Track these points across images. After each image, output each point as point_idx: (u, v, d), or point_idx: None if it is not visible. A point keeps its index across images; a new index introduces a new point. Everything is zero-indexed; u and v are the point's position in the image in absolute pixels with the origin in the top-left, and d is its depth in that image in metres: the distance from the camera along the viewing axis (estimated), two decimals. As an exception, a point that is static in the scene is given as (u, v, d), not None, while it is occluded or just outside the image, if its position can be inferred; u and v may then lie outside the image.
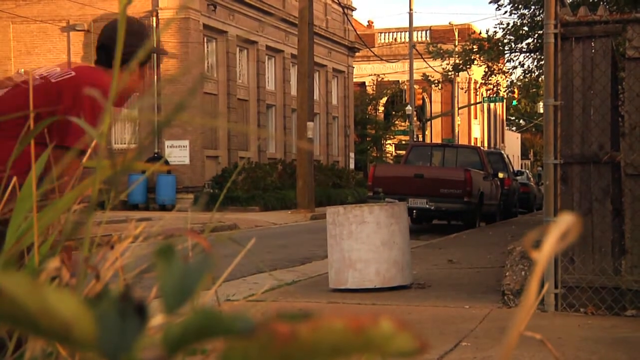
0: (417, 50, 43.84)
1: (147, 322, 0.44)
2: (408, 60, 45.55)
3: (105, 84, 3.33)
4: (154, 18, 28.88)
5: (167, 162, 28.56)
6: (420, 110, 52.42)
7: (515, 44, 19.80)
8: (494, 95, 27.95)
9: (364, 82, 54.77)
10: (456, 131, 52.81)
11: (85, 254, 0.79)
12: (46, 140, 2.50)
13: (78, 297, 0.40)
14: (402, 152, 39.75)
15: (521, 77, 25.23)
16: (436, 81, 26.98)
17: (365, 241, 8.01)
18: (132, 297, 0.45)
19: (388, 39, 59.69)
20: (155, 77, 29.01)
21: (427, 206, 18.34)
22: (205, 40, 30.75)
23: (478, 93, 49.71)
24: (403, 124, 51.09)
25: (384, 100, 53.75)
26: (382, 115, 53.27)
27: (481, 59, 20.78)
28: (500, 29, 19.87)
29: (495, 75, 22.13)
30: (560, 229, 0.51)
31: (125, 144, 28.84)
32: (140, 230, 1.01)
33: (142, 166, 1.08)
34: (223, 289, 7.35)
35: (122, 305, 0.44)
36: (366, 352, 0.43)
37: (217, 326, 0.41)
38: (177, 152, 29.01)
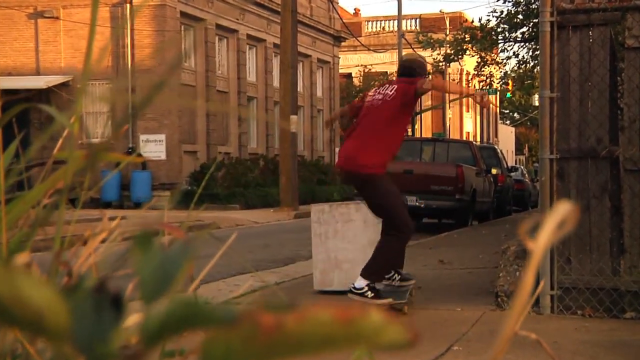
0: (406, 39, 43.87)
1: (124, 314, 0.44)
2: (397, 50, 45.61)
3: (410, 85, 6.73)
4: (128, 5, 28.75)
5: (141, 156, 28.47)
6: (410, 103, 52.37)
7: (510, 33, 19.86)
8: (487, 87, 28.00)
9: (350, 73, 54.80)
10: (447, 125, 52.95)
11: (56, 249, 0.79)
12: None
13: (52, 286, 0.40)
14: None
15: (515, 68, 25.32)
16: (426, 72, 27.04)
17: (352, 240, 8.02)
18: (108, 289, 0.44)
19: (376, 27, 59.73)
20: (129, 67, 28.91)
21: (417, 204, 18.38)
22: (182, 28, 30.66)
23: (470, 85, 49.81)
24: (391, 117, 51.05)
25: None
26: (369, 108, 53.23)
27: (473, 49, 20.82)
28: (493, 17, 19.93)
29: (489, 66, 22.18)
30: (556, 218, 0.51)
31: (98, 137, 28.73)
32: (115, 225, 1.00)
33: (116, 157, 1.08)
34: (201, 291, 7.34)
35: (98, 297, 0.44)
36: (356, 344, 0.43)
37: (197, 316, 0.41)
38: (153, 147, 28.91)
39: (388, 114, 6.75)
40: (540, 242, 0.52)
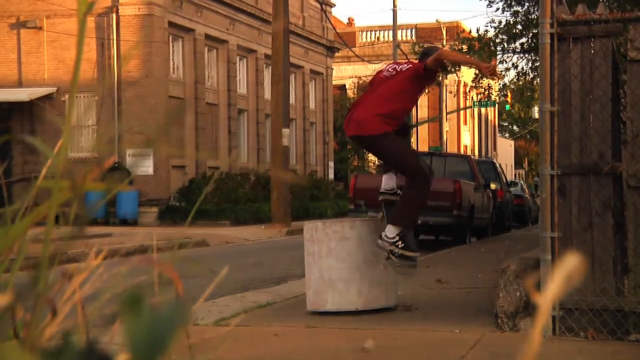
0: (401, 50, 44.02)
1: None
2: (392, 61, 45.65)
3: (419, 66, 7.33)
4: (114, 15, 28.78)
5: (128, 173, 28.44)
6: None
7: (508, 43, 19.94)
8: (485, 99, 28.07)
9: (344, 85, 54.91)
10: (444, 138, 53.02)
11: (41, 287, 0.78)
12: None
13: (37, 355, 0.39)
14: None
15: (515, 80, 25.41)
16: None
17: (346, 259, 8.00)
18: (97, 352, 0.43)
19: (370, 37, 59.90)
20: (116, 80, 28.90)
21: (414, 220, 18.34)
22: (170, 39, 30.70)
23: (468, 97, 49.99)
24: (387, 130, 51.13)
25: (366, 104, 53.82)
26: (364, 121, 53.31)
27: (471, 60, 20.89)
28: (491, 27, 20.02)
29: (487, 78, 22.26)
30: (564, 270, 0.51)
31: (83, 152, 28.69)
32: (100, 260, 0.99)
33: (104, 186, 1.07)
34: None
35: None
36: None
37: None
38: (140, 162, 28.87)
39: (398, 86, 7.45)
40: (548, 296, 0.52)
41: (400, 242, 7.52)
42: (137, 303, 0.49)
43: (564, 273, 0.51)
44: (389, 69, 7.74)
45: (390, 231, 7.50)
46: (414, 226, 7.78)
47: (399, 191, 7.69)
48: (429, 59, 7.36)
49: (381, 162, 8.06)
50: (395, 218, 7.53)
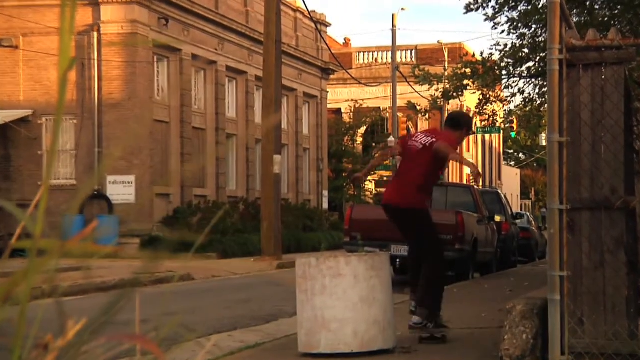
0: (401, 72, 44.20)
1: None
2: (390, 84, 45.91)
3: (451, 138, 8.36)
4: (95, 34, 28.87)
5: (109, 201, 28.42)
6: (405, 141, 52.58)
7: (514, 68, 20.02)
8: (490, 125, 28.16)
9: (339, 109, 55.06)
10: (445, 168, 53.14)
11: None
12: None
13: None
14: (384, 191, 39.80)
15: (521, 106, 25.49)
16: (423, 109, 27.13)
17: (341, 297, 7.98)
18: None
19: (368, 59, 60.14)
20: (96, 102, 28.95)
21: (413, 254, 18.32)
22: (155, 59, 30.79)
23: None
24: (385, 157, 51.21)
25: (363, 129, 54.02)
26: (360, 147, 53.49)
27: (475, 84, 20.96)
28: (496, 50, 20.10)
29: (491, 104, 22.32)
30: None
31: (60, 179, 28.66)
32: (79, 328, 0.98)
33: (86, 248, 1.07)
34: (174, 354, 7.28)
35: None
36: None
37: None
38: (121, 189, 28.85)
39: (422, 164, 8.59)
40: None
41: (429, 324, 8.64)
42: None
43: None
44: (419, 141, 8.72)
45: (418, 319, 8.62)
46: (440, 306, 8.77)
47: (429, 325, 8.65)
48: (437, 145, 8.43)
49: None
50: (426, 303, 8.65)
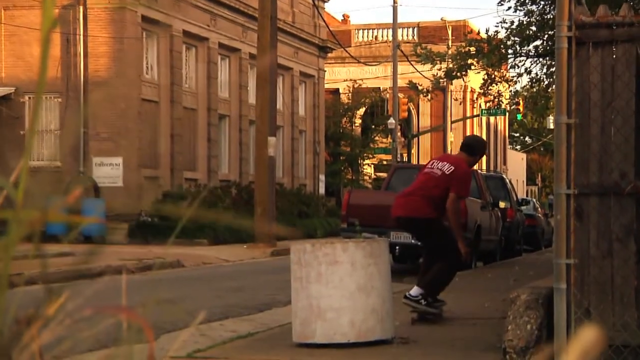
0: (402, 51, 44.14)
1: None
2: (391, 64, 45.86)
3: (466, 169, 9.87)
4: (81, 7, 28.77)
5: (95, 185, 28.40)
6: (406, 124, 52.74)
7: (521, 46, 19.97)
8: (495, 107, 28.16)
9: (337, 89, 55.02)
10: (448, 150, 53.13)
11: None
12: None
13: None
14: (383, 175, 39.85)
15: (527, 87, 25.47)
16: (425, 89, 27.10)
17: (338, 285, 8.00)
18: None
19: (367, 37, 60.07)
20: (82, 80, 28.89)
21: (413, 241, 18.33)
22: (144, 35, 30.71)
23: (475, 104, 50.11)
24: (384, 140, 51.32)
25: (362, 111, 54.00)
26: (359, 130, 53.48)
27: (479, 64, 20.94)
28: (502, 28, 20.06)
29: (497, 84, 22.29)
30: (581, 346, 0.51)
31: (44, 160, 28.63)
32: (62, 302, 0.98)
33: (68, 219, 1.07)
34: (163, 343, 7.30)
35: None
36: None
37: None
38: (108, 172, 28.83)
39: (440, 188, 9.80)
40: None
41: (423, 301, 9.61)
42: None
43: (581, 349, 0.51)
44: (437, 167, 10.03)
45: (415, 291, 9.62)
46: (436, 294, 9.87)
47: (422, 300, 9.66)
48: (451, 196, 9.71)
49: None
50: (424, 285, 9.68)
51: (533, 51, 20.26)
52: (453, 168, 9.84)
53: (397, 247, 18.41)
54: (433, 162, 10.31)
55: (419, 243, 10.99)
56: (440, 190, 9.74)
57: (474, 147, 10.38)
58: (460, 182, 9.79)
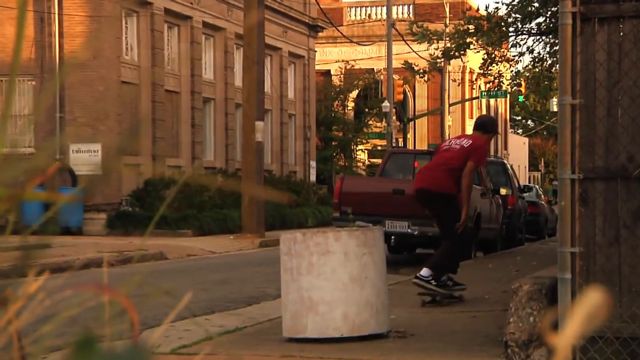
0: (397, 30, 44.11)
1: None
2: (385, 43, 45.83)
3: (484, 143, 11.01)
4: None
5: (72, 172, 28.37)
6: (401, 107, 52.70)
7: (523, 24, 19.98)
8: (495, 88, 28.16)
9: (329, 71, 55.00)
10: (446, 134, 53.14)
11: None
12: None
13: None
14: (378, 161, 39.88)
15: (530, 67, 25.48)
16: (421, 70, 27.10)
17: (330, 277, 8.01)
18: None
19: (360, 15, 60.00)
20: (57, 61, 28.81)
21: (409, 231, 18.41)
22: (123, 13, 30.63)
23: (475, 86, 50.14)
24: (379, 124, 51.35)
25: (355, 93, 53.99)
26: (351, 114, 53.48)
27: (479, 42, 20.94)
28: (503, 4, 20.06)
29: (497, 64, 22.31)
30: (585, 309, 0.51)
31: (17, 146, 28.55)
32: (41, 282, 0.99)
33: (47, 197, 1.07)
34: (144, 339, 7.29)
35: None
36: None
37: None
38: (86, 159, 28.76)
39: (461, 160, 10.67)
40: (566, 338, 0.52)
41: (433, 281, 10.42)
42: (88, 347, 0.49)
43: (585, 311, 0.51)
44: (455, 142, 11.17)
45: (425, 272, 10.42)
46: (442, 274, 10.67)
47: (432, 281, 10.52)
48: (470, 163, 10.63)
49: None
50: (433, 266, 10.53)
51: (535, 29, 20.26)
52: (471, 141, 10.89)
53: (392, 237, 18.44)
54: (450, 141, 11.49)
55: (434, 220, 11.79)
56: (460, 163, 10.62)
57: (486, 124, 11.45)
58: (479, 153, 10.78)
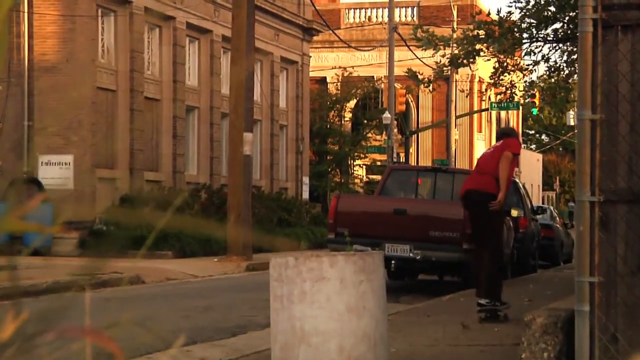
0: (399, 34, 44.22)
1: None
2: (386, 49, 45.93)
3: (515, 145, 12.99)
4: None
5: (41, 186, 28.33)
6: (403, 118, 52.82)
7: (538, 30, 20.02)
8: (507, 100, 28.21)
9: (324, 78, 55.08)
10: (453, 149, 53.28)
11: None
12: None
13: None
14: (377, 178, 39.89)
15: (545, 77, 25.50)
16: (426, 79, 27.10)
17: (324, 306, 8.00)
18: None
19: (359, 17, 60.15)
20: (26, 64, 28.82)
21: (411, 255, 18.40)
22: (99, 13, 30.67)
23: (484, 97, 50.25)
24: (378, 137, 51.40)
25: (352, 103, 54.06)
26: (349, 125, 53.54)
27: (490, 49, 20.97)
28: (516, 8, 20.09)
29: (509, 74, 22.33)
30: None
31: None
32: (19, 323, 0.98)
33: (23, 227, 1.07)
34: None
35: None
36: None
37: None
38: (56, 172, 28.77)
39: (495, 161, 12.39)
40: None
41: (495, 302, 12.10)
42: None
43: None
44: (490, 149, 13.71)
45: (484, 301, 12.03)
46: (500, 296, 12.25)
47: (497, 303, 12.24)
48: (505, 155, 12.33)
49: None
50: (488, 294, 12.06)
51: (552, 35, 20.31)
52: (503, 141, 12.68)
53: (392, 262, 18.43)
54: (484, 152, 14.04)
55: (472, 226, 13.03)
56: (497, 162, 12.32)
57: (510, 131, 13.98)
58: (513, 144, 12.60)
